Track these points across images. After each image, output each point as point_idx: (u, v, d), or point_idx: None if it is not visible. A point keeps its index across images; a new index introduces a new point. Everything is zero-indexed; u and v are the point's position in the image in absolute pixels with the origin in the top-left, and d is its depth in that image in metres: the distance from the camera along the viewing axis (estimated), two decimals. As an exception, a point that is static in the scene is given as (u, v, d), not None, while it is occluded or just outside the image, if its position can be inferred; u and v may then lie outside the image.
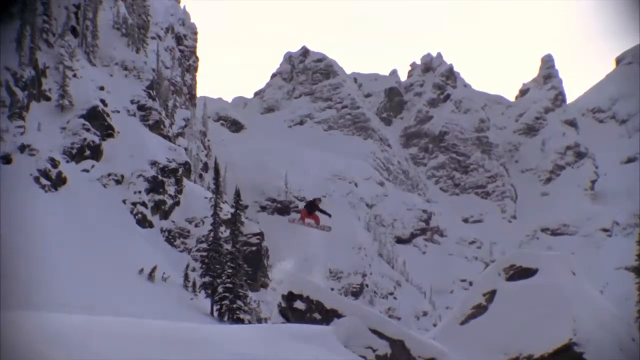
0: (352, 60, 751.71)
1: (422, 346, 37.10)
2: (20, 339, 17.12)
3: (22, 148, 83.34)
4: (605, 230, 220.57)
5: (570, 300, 47.84)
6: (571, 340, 45.31)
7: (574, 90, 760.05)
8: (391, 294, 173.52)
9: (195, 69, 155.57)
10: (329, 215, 32.94)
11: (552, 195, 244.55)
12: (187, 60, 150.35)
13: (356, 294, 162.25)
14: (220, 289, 73.16)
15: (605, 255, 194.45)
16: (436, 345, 38.29)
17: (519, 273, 50.02)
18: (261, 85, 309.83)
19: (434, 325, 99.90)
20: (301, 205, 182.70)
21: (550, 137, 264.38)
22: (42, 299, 41.67)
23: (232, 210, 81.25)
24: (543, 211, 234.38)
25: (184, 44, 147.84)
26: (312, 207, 33.60)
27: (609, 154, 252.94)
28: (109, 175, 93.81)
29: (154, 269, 75.24)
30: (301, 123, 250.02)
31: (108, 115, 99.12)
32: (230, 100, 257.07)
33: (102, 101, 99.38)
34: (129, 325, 26.17)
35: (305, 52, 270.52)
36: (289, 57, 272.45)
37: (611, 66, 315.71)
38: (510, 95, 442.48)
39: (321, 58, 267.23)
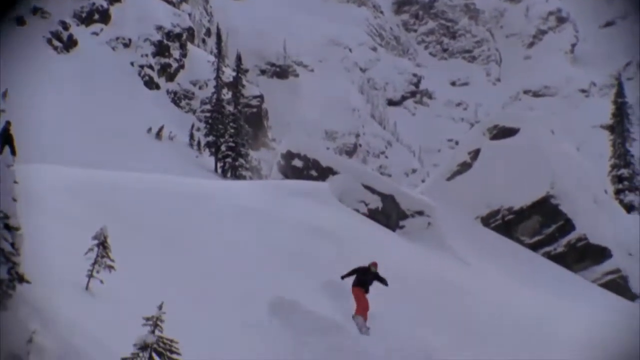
0: None
1: (410, 200, 37.51)
2: (38, 190, 17.13)
3: (35, 10, 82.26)
4: (583, 91, 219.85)
5: (549, 157, 48.22)
6: (548, 193, 45.94)
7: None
8: (383, 152, 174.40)
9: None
10: (386, 284, 20.42)
11: (534, 59, 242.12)
12: None
13: (350, 153, 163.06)
14: (223, 148, 73.28)
15: (583, 115, 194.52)
16: (424, 199, 38.69)
17: (502, 132, 50.24)
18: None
19: (423, 181, 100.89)
20: (301, 72, 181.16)
21: (534, 3, 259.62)
22: (54, 156, 41.72)
23: (234, 74, 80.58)
24: (526, 74, 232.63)
25: None
26: (364, 277, 20.35)
27: (589, 19, 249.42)
28: (117, 39, 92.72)
29: (161, 129, 75.33)
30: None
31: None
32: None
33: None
34: (139, 180, 26.34)
35: None
36: None
37: None
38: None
39: None
